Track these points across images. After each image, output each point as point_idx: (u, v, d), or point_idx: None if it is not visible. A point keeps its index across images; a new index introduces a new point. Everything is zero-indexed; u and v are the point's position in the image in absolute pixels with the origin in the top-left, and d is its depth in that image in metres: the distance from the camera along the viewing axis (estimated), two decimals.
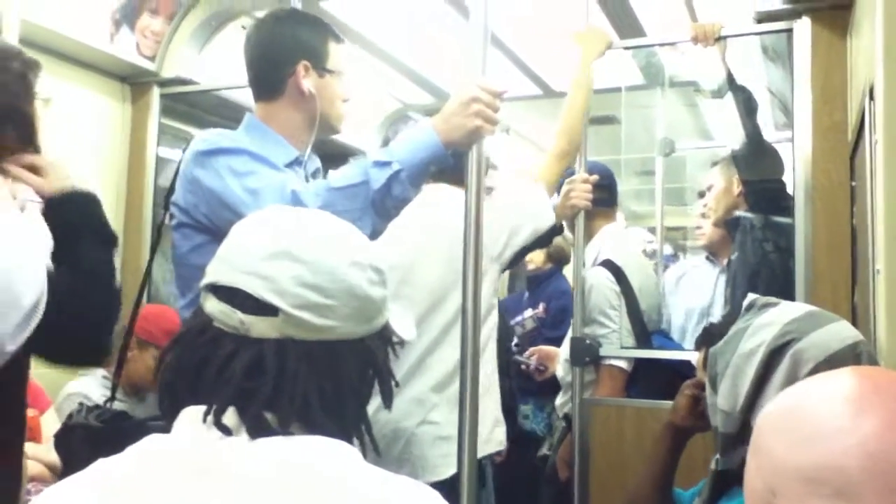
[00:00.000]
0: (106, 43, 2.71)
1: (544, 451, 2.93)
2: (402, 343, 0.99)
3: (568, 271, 3.67)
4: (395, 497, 0.81)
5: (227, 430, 0.82)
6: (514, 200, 2.16)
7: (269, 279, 0.85)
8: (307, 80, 1.74)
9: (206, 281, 0.90)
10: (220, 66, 2.96)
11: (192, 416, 0.85)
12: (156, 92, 2.96)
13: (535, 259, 3.57)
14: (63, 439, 1.55)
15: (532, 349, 3.04)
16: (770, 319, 1.29)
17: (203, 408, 0.84)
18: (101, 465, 0.85)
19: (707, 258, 3.12)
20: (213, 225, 1.58)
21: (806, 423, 0.64)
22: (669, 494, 1.62)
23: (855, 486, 0.59)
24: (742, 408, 1.25)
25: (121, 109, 2.96)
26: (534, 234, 2.15)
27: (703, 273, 3.09)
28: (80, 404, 1.65)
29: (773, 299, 1.36)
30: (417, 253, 2.07)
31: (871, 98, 1.44)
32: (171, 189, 1.73)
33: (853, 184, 2.06)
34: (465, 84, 1.55)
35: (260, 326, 0.85)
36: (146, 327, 2.57)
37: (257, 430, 0.83)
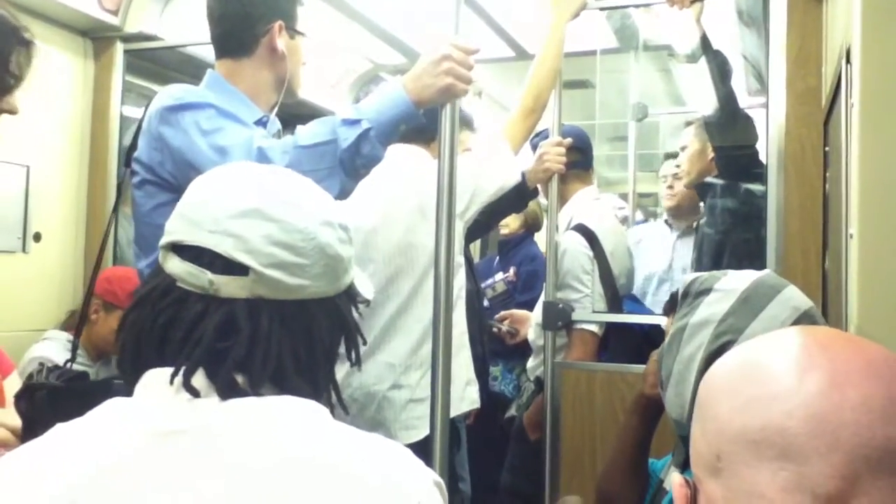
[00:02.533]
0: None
1: (512, 412, 2.94)
2: (366, 303, 0.98)
3: (539, 236, 3.67)
4: (365, 453, 0.80)
5: (195, 392, 0.80)
6: (478, 158, 2.14)
7: (239, 238, 0.82)
8: (281, 40, 1.71)
9: (167, 240, 0.87)
10: (184, 22, 2.87)
11: (156, 378, 0.82)
12: (119, 48, 2.87)
13: (511, 224, 3.56)
14: (23, 400, 1.51)
15: (504, 313, 3.04)
16: (705, 316, 1.25)
17: (168, 370, 0.81)
18: (62, 429, 0.83)
19: (666, 222, 3.15)
20: (178, 183, 1.55)
21: (749, 385, 0.62)
22: (644, 467, 1.59)
23: (799, 448, 0.57)
24: (688, 416, 1.21)
25: (83, 65, 2.87)
26: (498, 192, 2.14)
27: (660, 237, 3.14)
28: (41, 364, 1.61)
29: (710, 277, 1.32)
30: (383, 215, 2.05)
31: (848, 61, 1.43)
32: (133, 146, 1.68)
33: (826, 149, 2.06)
34: (437, 42, 1.52)
35: (230, 286, 0.82)
36: (111, 289, 2.54)
37: (228, 392, 0.81)
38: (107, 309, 2.54)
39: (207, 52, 2.62)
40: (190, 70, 2.91)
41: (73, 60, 2.84)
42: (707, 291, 1.29)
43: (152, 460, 0.77)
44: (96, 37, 2.88)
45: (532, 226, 3.68)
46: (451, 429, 1.97)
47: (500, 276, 3.38)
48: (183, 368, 0.80)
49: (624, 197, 4.01)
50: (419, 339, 2.03)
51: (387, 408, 2.01)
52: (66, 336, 2.52)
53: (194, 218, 0.85)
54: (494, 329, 2.95)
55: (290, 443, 0.78)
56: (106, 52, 2.88)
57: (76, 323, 2.53)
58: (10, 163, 2.56)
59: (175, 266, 0.84)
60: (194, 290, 0.83)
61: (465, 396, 2.09)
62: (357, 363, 0.95)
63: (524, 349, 2.92)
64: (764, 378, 0.61)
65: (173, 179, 1.56)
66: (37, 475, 0.78)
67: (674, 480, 0.67)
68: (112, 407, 0.83)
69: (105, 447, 0.78)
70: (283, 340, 0.84)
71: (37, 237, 2.67)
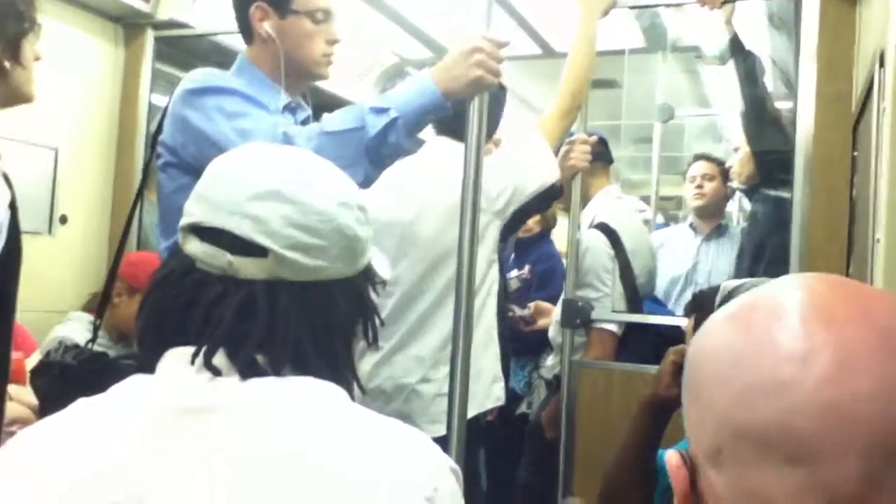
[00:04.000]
0: None
1: (522, 409, 2.94)
2: (383, 283, 0.98)
3: (556, 234, 3.66)
4: (382, 437, 0.81)
5: (217, 371, 0.80)
6: (519, 155, 2.12)
7: (259, 220, 0.83)
8: (267, 23, 1.67)
9: (186, 221, 0.87)
10: (215, 10, 2.89)
11: (177, 357, 0.83)
12: (150, 35, 2.89)
13: (530, 224, 3.54)
14: (38, 376, 1.53)
15: (531, 303, 3.02)
16: None
17: (189, 349, 0.82)
18: (84, 404, 0.83)
19: (690, 225, 3.14)
20: (200, 166, 1.54)
21: (743, 371, 0.54)
22: (650, 466, 1.56)
23: (809, 448, 0.50)
24: None
25: (113, 51, 2.90)
26: (539, 190, 2.12)
27: (683, 241, 3.13)
28: (60, 342, 1.63)
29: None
30: (420, 209, 2.04)
31: (882, 65, 1.42)
32: (159, 128, 1.69)
33: (855, 154, 2.04)
34: (468, 35, 1.52)
35: (249, 268, 0.83)
36: (135, 273, 2.55)
37: (248, 371, 0.81)
38: (129, 292, 2.55)
39: (238, 41, 2.65)
40: (220, 59, 2.93)
41: (104, 46, 2.86)
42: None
43: (173, 436, 0.78)
44: (127, 23, 2.90)
45: (546, 224, 3.66)
46: (475, 426, 1.98)
47: (514, 272, 3.37)
48: (204, 348, 0.81)
49: (646, 199, 3.99)
50: (450, 334, 2.02)
51: (414, 400, 2.00)
52: (89, 317, 2.53)
53: (214, 199, 0.85)
54: (510, 314, 2.93)
55: (307, 425, 0.79)
56: (136, 39, 2.90)
57: (98, 304, 2.56)
58: (39, 145, 2.59)
59: (195, 247, 0.85)
60: (214, 272, 0.84)
61: (492, 393, 2.08)
62: (374, 343, 0.95)
63: (537, 346, 2.92)
64: (760, 363, 0.53)
65: (195, 162, 1.56)
66: (60, 450, 0.79)
67: (669, 459, 0.60)
68: (134, 384, 0.84)
69: (127, 423, 0.79)
70: (302, 321, 0.84)
71: (63, 219, 2.70)
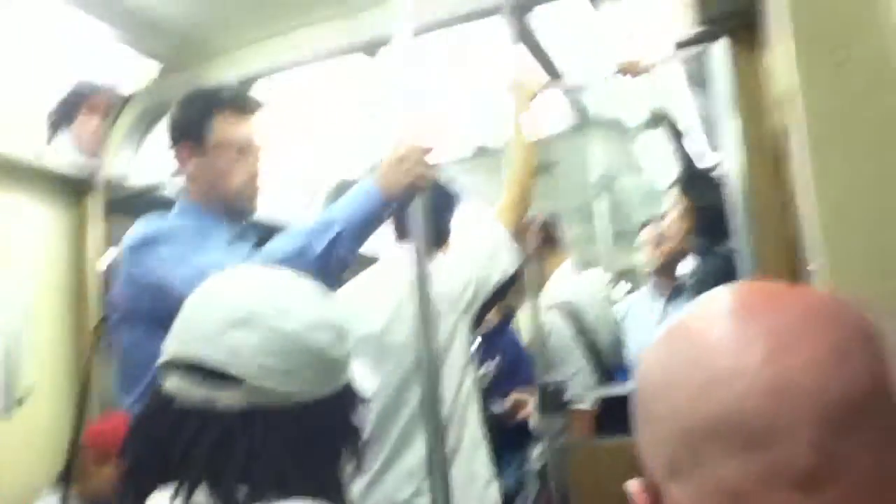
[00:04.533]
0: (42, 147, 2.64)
1: None
2: (364, 402, 0.97)
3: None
4: None
5: None
6: (479, 248, 2.12)
7: (230, 350, 0.83)
8: (191, 162, 1.70)
9: (164, 359, 0.88)
10: (156, 160, 2.91)
11: (161, 500, 0.82)
12: (98, 194, 2.86)
13: (489, 315, 3.52)
14: None
15: (508, 398, 2.97)
16: None
17: (170, 490, 0.81)
18: None
19: (654, 285, 3.13)
20: (156, 315, 1.53)
21: (689, 374, 0.55)
22: None
23: (763, 431, 0.51)
24: None
25: (66, 215, 2.86)
26: (504, 277, 2.12)
27: (648, 306, 3.12)
28: None
29: None
30: (388, 319, 2.02)
31: (791, 104, 1.47)
32: (107, 286, 1.69)
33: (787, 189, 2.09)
34: (395, 144, 1.57)
35: (225, 397, 0.83)
36: (102, 442, 2.47)
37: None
38: (100, 460, 2.47)
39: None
40: (170, 208, 2.94)
41: (52, 213, 2.82)
42: None
43: None
44: (74, 189, 2.88)
45: (507, 313, 3.65)
46: None
47: (484, 367, 3.32)
48: (184, 487, 0.81)
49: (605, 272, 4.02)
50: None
51: None
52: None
53: (188, 334, 0.87)
54: (490, 411, 2.88)
55: None
56: (83, 202, 2.88)
57: (63, 475, 2.46)
58: None
59: (172, 383, 0.86)
60: (192, 406, 0.84)
61: (487, 496, 2.02)
62: (360, 467, 0.94)
63: (520, 441, 2.86)
64: (703, 363, 0.55)
65: (150, 314, 1.54)
66: None
67: (629, 489, 0.60)
68: None
69: None
70: (279, 448, 0.83)
71: (20, 401, 2.63)
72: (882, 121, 1.28)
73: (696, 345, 0.57)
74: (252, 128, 1.71)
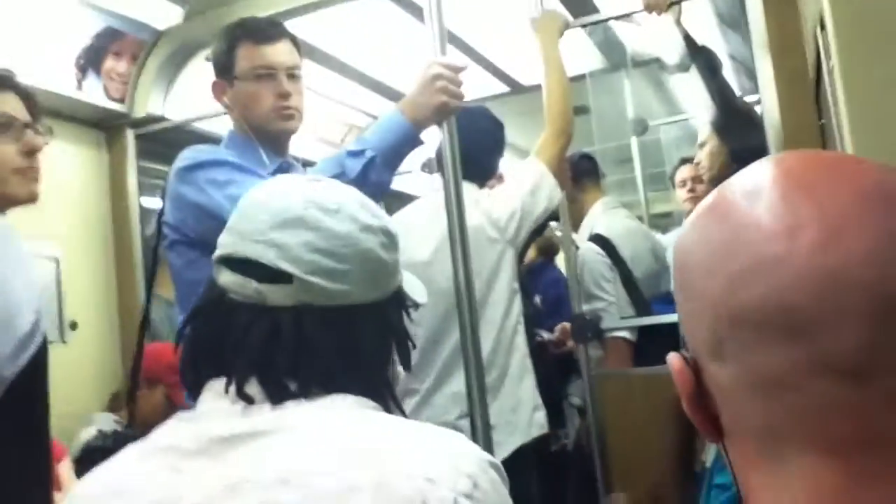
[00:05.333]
0: (73, 90, 2.73)
1: (562, 441, 2.90)
2: (415, 306, 0.99)
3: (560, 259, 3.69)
4: (417, 437, 0.83)
5: (249, 399, 0.83)
6: (521, 181, 2.17)
7: (281, 247, 0.85)
8: (225, 96, 1.78)
9: (218, 253, 0.91)
10: (192, 99, 2.98)
11: (215, 390, 0.86)
12: (130, 134, 2.98)
13: (531, 253, 3.57)
14: (82, 465, 1.55)
15: (559, 326, 3.02)
16: None
17: (223, 381, 0.85)
18: (130, 447, 0.87)
19: None
20: (202, 239, 1.61)
21: (733, 257, 0.52)
22: (692, 470, 1.56)
23: (808, 320, 0.48)
24: None
25: (97, 156, 2.99)
26: (546, 212, 2.17)
27: None
28: (99, 431, 1.66)
29: None
30: (435, 249, 2.08)
31: (823, 27, 1.48)
32: (162, 210, 1.76)
33: (822, 122, 2.09)
34: (426, 64, 1.59)
35: (275, 294, 0.85)
36: (150, 367, 2.58)
37: (279, 397, 0.83)
38: (148, 384, 2.59)
39: (215, 125, 2.72)
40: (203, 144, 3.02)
41: (88, 152, 2.95)
42: None
43: (208, 465, 0.80)
44: (106, 126, 2.99)
45: (548, 252, 3.70)
46: (523, 456, 1.99)
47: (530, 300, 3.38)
48: (235, 378, 0.84)
49: (640, 219, 4.01)
50: (485, 366, 2.02)
51: None
52: (113, 417, 2.57)
53: (241, 230, 0.89)
54: (538, 338, 2.93)
55: (351, 442, 0.80)
56: (118, 140, 3.00)
57: (121, 404, 2.58)
58: (41, 256, 2.65)
59: (225, 278, 0.88)
60: (243, 301, 0.86)
61: (534, 422, 2.08)
62: (407, 367, 0.96)
63: (561, 374, 2.90)
64: (746, 246, 0.51)
65: (197, 235, 1.63)
66: (95, 477, 0.85)
67: (671, 364, 0.58)
68: (175, 421, 0.87)
69: (167, 454, 0.82)
70: (328, 346, 0.85)
71: (73, 325, 2.75)
72: None
73: (737, 224, 0.53)
74: (276, 53, 1.75)
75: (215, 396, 0.85)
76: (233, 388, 0.84)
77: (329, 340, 0.86)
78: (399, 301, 0.96)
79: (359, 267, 0.88)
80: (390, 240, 0.93)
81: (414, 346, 0.99)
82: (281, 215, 0.88)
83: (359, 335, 0.89)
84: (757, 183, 0.54)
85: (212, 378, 0.87)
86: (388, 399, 0.92)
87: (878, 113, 1.28)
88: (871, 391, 0.48)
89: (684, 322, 0.58)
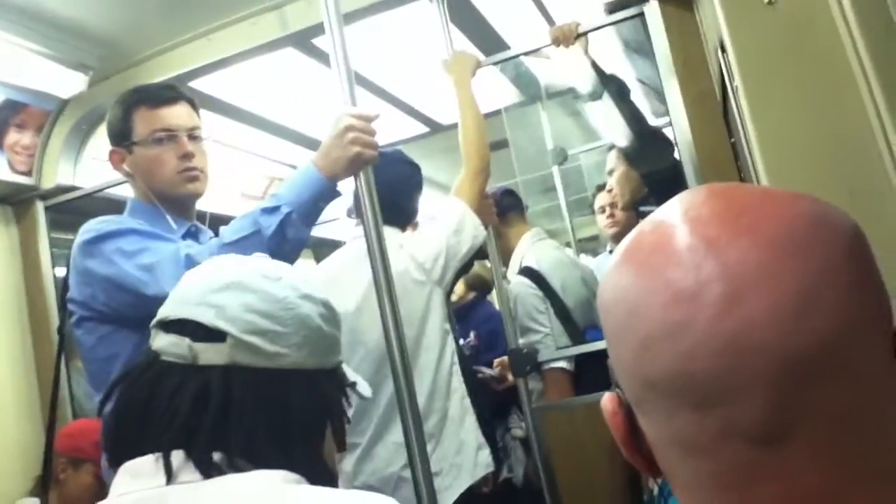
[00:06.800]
0: None
1: (505, 474, 2.88)
2: (358, 394, 0.99)
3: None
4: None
5: (173, 474, 0.80)
6: (444, 221, 2.16)
7: (219, 307, 0.86)
8: (125, 164, 1.73)
9: (156, 318, 0.90)
10: (104, 166, 2.89)
11: (135, 467, 0.82)
12: (40, 206, 2.88)
13: (457, 291, 3.56)
14: None
15: (498, 360, 3.00)
16: None
17: (144, 459, 0.81)
18: None
19: (610, 251, 3.19)
20: (114, 312, 1.55)
21: (643, 321, 0.50)
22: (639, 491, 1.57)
23: (718, 389, 0.46)
24: None
25: (6, 231, 2.87)
26: (471, 251, 2.17)
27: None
28: None
29: None
30: (364, 296, 2.05)
31: (724, 50, 1.52)
32: (66, 288, 1.68)
33: (732, 140, 2.14)
34: (337, 115, 1.58)
35: (208, 353, 0.85)
36: (77, 445, 2.48)
37: (205, 469, 0.81)
38: (74, 465, 2.47)
39: (126, 191, 2.64)
40: (114, 212, 2.93)
41: None
42: None
43: None
44: (14, 200, 2.88)
45: (481, 288, 3.69)
46: (471, 499, 1.97)
47: (461, 342, 3.36)
48: (161, 451, 0.81)
49: (568, 245, 4.06)
50: (423, 413, 2.00)
51: (403, 487, 1.95)
52: (37, 501, 2.45)
53: (180, 296, 0.89)
54: (479, 375, 2.91)
55: None
56: (27, 214, 2.89)
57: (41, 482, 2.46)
58: None
59: (160, 341, 0.87)
60: (175, 361, 0.85)
61: (479, 462, 2.06)
62: (341, 448, 0.95)
63: (502, 408, 2.89)
64: (654, 309, 0.49)
65: (108, 309, 1.56)
66: None
67: (605, 406, 0.58)
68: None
69: None
70: (255, 409, 0.84)
71: None
72: (811, 59, 1.32)
73: (647, 285, 0.50)
74: (173, 115, 1.72)
75: (135, 475, 0.81)
76: (153, 466, 0.80)
77: (258, 405, 0.84)
78: (338, 379, 0.95)
79: (296, 331, 0.88)
80: (331, 313, 0.93)
81: (349, 422, 0.98)
82: (222, 280, 0.88)
83: (289, 402, 0.87)
84: (664, 234, 0.52)
85: (135, 449, 0.83)
86: (317, 472, 0.89)
87: (783, 129, 1.31)
88: (790, 453, 0.46)
89: (612, 367, 0.56)
